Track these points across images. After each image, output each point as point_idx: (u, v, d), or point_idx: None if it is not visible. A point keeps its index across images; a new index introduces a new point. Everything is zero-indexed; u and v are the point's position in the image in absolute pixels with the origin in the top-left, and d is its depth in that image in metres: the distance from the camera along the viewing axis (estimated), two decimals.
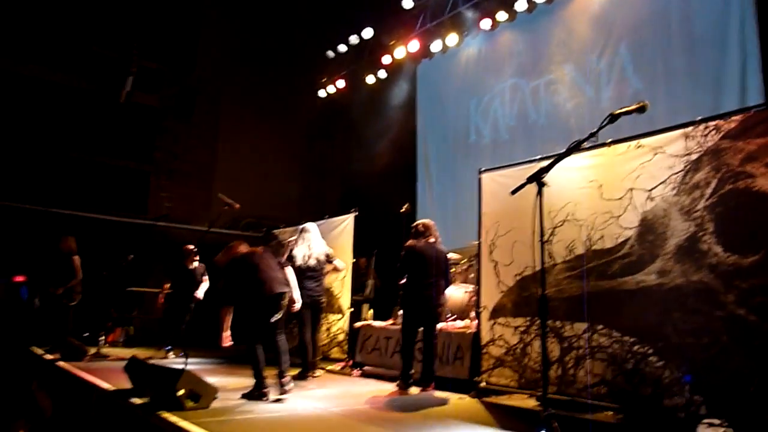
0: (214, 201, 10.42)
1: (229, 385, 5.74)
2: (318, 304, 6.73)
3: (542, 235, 2.78)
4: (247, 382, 5.90)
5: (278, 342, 5.32)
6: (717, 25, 6.85)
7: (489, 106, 9.95)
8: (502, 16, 9.37)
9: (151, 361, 5.70)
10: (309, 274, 6.62)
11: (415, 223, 6.40)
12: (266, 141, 12.33)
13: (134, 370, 4.98)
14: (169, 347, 8.00)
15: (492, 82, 9.92)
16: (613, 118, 2.81)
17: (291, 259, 6.58)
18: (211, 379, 5.00)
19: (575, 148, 2.87)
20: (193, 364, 6.85)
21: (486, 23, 9.56)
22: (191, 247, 8.32)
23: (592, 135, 2.82)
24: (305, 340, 6.57)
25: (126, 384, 5.08)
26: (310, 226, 6.97)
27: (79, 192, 10.63)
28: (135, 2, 11.03)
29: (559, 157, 2.91)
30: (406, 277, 6.02)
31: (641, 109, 2.87)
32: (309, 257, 6.68)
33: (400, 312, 7.55)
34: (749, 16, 6.54)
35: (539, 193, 2.77)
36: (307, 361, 6.53)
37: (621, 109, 2.87)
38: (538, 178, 2.82)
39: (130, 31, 10.80)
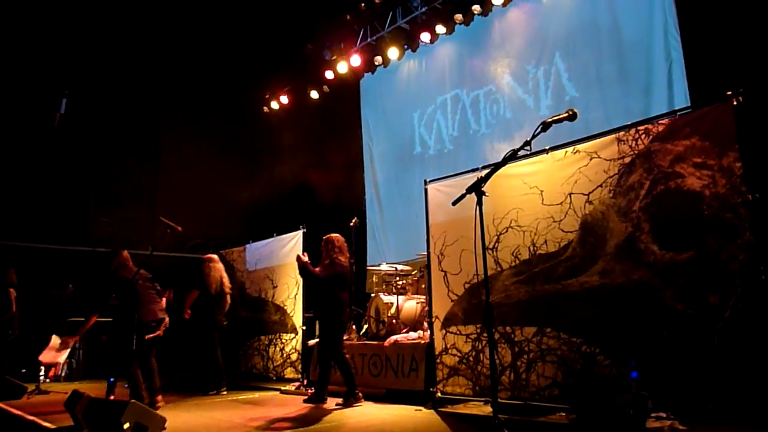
0: (157, 224, 10.09)
1: (179, 417, 5.54)
2: None
3: (483, 242, 2.80)
4: (195, 414, 5.74)
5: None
6: (643, 33, 7.15)
7: (432, 118, 10.07)
8: (440, 29, 9.52)
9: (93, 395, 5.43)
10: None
11: (336, 237, 6.45)
12: (210, 159, 12.08)
13: (76, 405, 4.73)
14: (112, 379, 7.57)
15: (434, 94, 10.05)
16: (545, 126, 2.89)
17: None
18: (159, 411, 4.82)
19: (510, 157, 2.92)
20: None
21: (425, 36, 9.69)
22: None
23: (527, 144, 2.88)
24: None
25: (68, 421, 4.83)
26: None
27: (14, 220, 10.13)
28: (66, 22, 10.65)
29: (496, 167, 2.96)
30: (330, 293, 6.12)
31: (571, 117, 2.96)
32: None
33: (354, 327, 7.54)
34: (672, 25, 6.86)
35: (479, 202, 2.80)
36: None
37: (552, 117, 2.94)
38: (477, 188, 2.85)
39: (62, 51, 10.43)
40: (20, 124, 10.25)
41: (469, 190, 2.94)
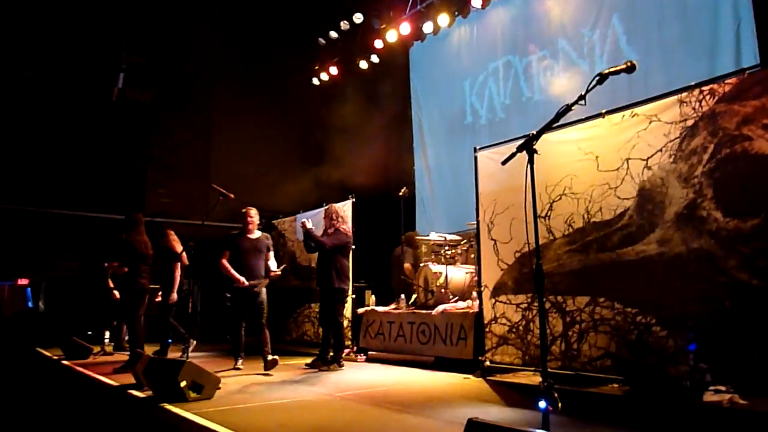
0: (211, 194, 10.34)
1: (232, 374, 5.73)
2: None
3: (534, 205, 2.72)
4: (247, 371, 5.91)
5: None
6: None
7: (483, 86, 9.85)
8: None
9: (152, 355, 5.68)
10: None
11: (338, 208, 6.86)
12: (262, 131, 12.25)
13: (136, 364, 4.96)
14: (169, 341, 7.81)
15: (485, 61, 9.81)
16: (601, 78, 2.75)
17: None
18: (214, 370, 4.99)
19: (564, 112, 2.80)
20: (194, 357, 6.87)
21: (477, 1, 9.43)
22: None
23: (581, 98, 2.76)
24: None
25: (131, 380, 5.07)
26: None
27: (76, 192, 10.59)
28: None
29: (548, 124, 2.85)
30: (334, 261, 6.42)
31: (629, 69, 2.80)
32: None
33: (402, 296, 7.58)
34: None
35: (530, 161, 2.71)
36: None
37: (609, 68, 2.80)
38: (528, 146, 2.75)
39: (119, 27, 10.69)
40: (80, 99, 10.64)
41: (519, 149, 2.84)
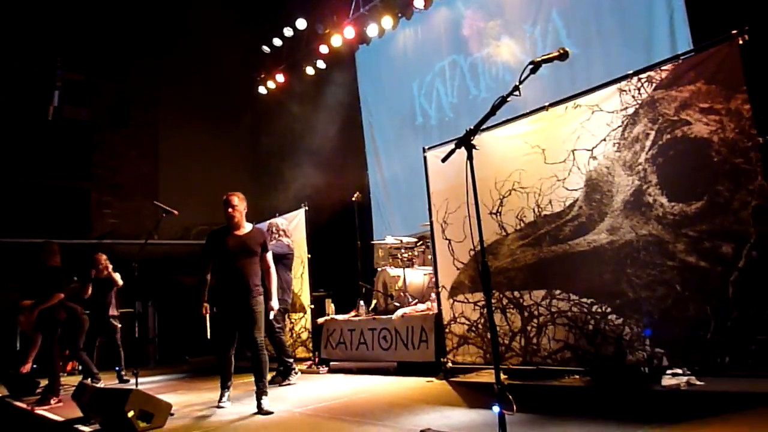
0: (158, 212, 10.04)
1: (187, 401, 5.49)
2: None
3: (476, 201, 2.66)
4: (209, 395, 5.69)
5: None
6: None
7: (431, 86, 9.84)
8: None
9: (100, 385, 5.42)
10: None
11: (278, 222, 6.84)
12: (210, 144, 11.97)
13: (82, 396, 4.69)
14: (117, 368, 7.66)
15: (431, 62, 9.81)
16: (534, 66, 2.72)
17: None
18: (169, 397, 4.77)
19: (500, 104, 2.76)
20: (148, 383, 6.61)
21: (419, 2, 9.41)
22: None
23: (515, 88, 2.72)
24: None
25: (77, 413, 4.80)
26: None
27: (16, 217, 10.10)
28: (55, 14, 10.47)
29: (485, 118, 2.80)
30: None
31: (562, 56, 2.78)
32: None
33: (362, 302, 7.47)
34: None
35: (469, 156, 2.64)
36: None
37: (541, 57, 2.77)
38: (466, 142, 2.69)
39: (52, 43, 10.27)
40: (14, 119, 10.16)
41: (457, 145, 2.78)
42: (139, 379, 6.62)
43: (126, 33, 11.30)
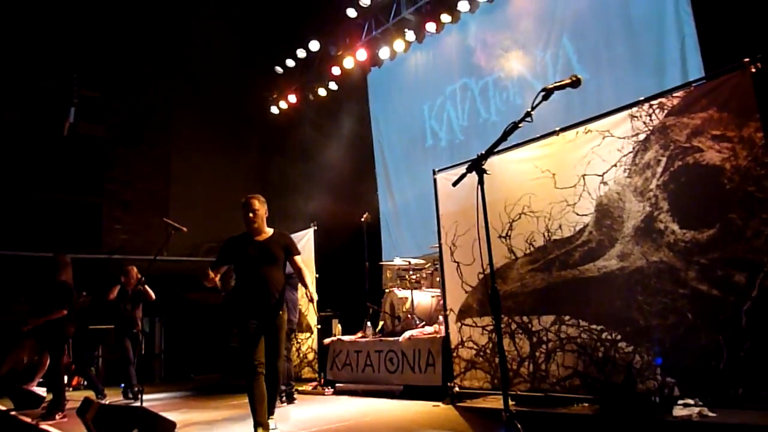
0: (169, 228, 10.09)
1: (191, 419, 5.46)
2: None
3: (486, 225, 2.65)
4: (213, 414, 5.66)
5: None
6: (653, 8, 6.91)
7: (442, 109, 9.90)
8: (446, 18, 9.35)
9: (105, 401, 5.40)
10: None
11: None
12: (221, 162, 12.07)
13: (86, 412, 4.67)
14: (122, 385, 7.55)
15: (443, 85, 9.88)
16: (546, 93, 2.73)
17: None
18: (173, 415, 4.74)
19: (511, 130, 2.77)
20: (152, 401, 6.58)
21: (431, 26, 9.52)
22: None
23: (527, 114, 2.73)
24: None
25: (82, 428, 4.77)
26: None
27: (29, 231, 10.19)
28: (72, 32, 10.67)
29: (497, 143, 2.81)
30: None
31: (575, 83, 2.80)
32: None
33: (369, 324, 7.43)
34: None
35: (480, 181, 2.65)
36: None
37: (554, 84, 2.78)
38: (477, 167, 2.70)
39: (69, 61, 10.44)
40: (31, 135, 10.31)
41: (469, 169, 2.79)
42: (144, 396, 6.61)
43: (141, 52, 11.47)
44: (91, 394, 6.88)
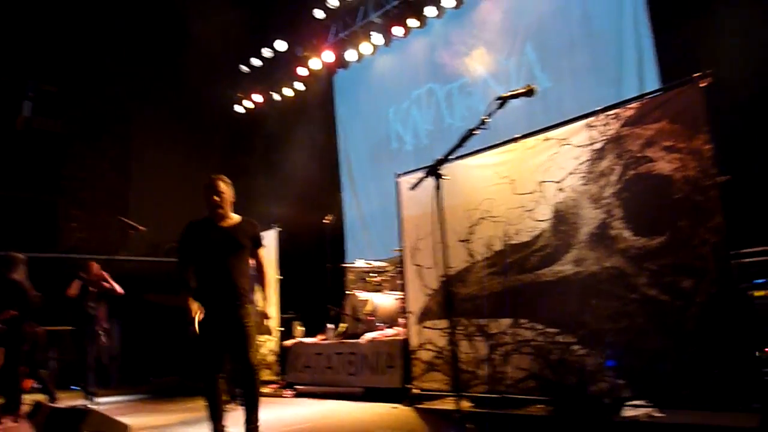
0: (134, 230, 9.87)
1: (146, 422, 5.37)
2: None
3: (443, 229, 2.70)
4: (169, 417, 5.58)
5: None
6: (613, 22, 7.13)
7: (408, 113, 9.98)
8: (413, 22, 9.43)
9: (55, 405, 5.27)
10: None
11: None
12: (183, 161, 11.84)
13: (38, 416, 4.56)
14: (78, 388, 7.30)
15: (409, 89, 9.95)
16: (502, 101, 2.80)
17: None
18: (127, 419, 4.65)
19: (467, 137, 2.85)
20: (107, 404, 6.45)
21: (398, 30, 9.59)
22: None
23: (482, 122, 2.80)
24: None
25: None
26: None
27: None
28: (29, 24, 10.36)
29: (453, 148, 2.88)
30: None
31: (528, 93, 2.88)
32: None
33: (331, 326, 7.42)
34: (641, 13, 6.85)
35: (437, 186, 2.70)
36: None
37: (509, 92, 2.86)
38: (434, 171, 2.75)
39: (25, 54, 10.14)
40: None
41: (426, 174, 2.84)
42: (100, 399, 6.47)
43: (102, 46, 11.20)
44: (44, 397, 6.68)
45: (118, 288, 7.31)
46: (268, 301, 4.30)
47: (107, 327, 7.30)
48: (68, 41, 10.76)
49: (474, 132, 2.76)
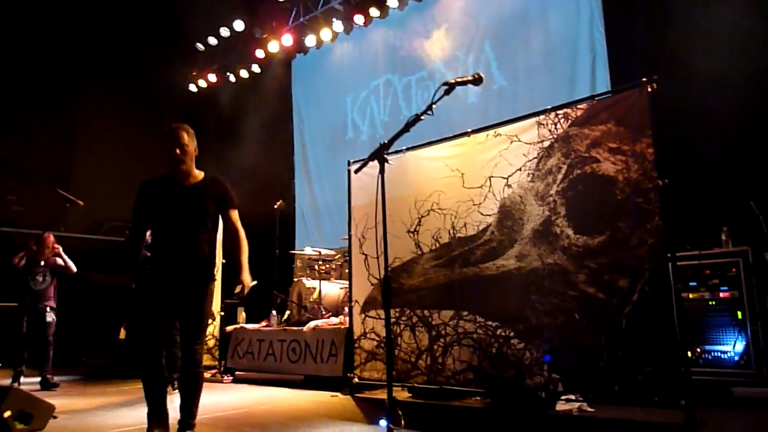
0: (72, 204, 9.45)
1: (76, 404, 5.18)
2: None
3: (384, 213, 2.73)
4: (101, 400, 5.40)
5: None
6: (570, 25, 7.27)
7: (365, 103, 9.92)
8: (374, 12, 9.36)
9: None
10: None
11: None
12: (132, 137, 11.41)
13: None
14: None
15: (367, 78, 9.89)
16: (448, 87, 2.80)
17: None
18: (56, 400, 4.47)
19: (413, 122, 2.85)
20: (37, 384, 6.20)
21: (359, 18, 9.51)
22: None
23: (429, 108, 2.80)
24: None
25: None
26: None
27: None
28: None
29: (398, 134, 2.88)
30: None
31: (476, 81, 2.89)
32: None
33: (274, 312, 7.32)
34: (597, 18, 7.00)
35: (381, 170, 2.69)
36: None
37: (456, 78, 2.86)
38: (379, 156, 2.73)
39: None
40: None
41: (371, 157, 2.82)
42: (30, 379, 6.21)
43: (51, 13, 10.69)
44: None
45: (72, 266, 6.85)
46: (244, 270, 3.52)
47: (54, 306, 6.78)
48: (13, 6, 10.22)
49: (420, 117, 2.74)
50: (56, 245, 6.86)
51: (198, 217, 3.43)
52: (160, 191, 3.45)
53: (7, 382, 6.32)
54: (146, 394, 3.33)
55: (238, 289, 3.48)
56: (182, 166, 3.46)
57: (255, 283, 3.62)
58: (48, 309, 6.68)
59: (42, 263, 6.70)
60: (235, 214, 3.62)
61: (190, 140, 3.53)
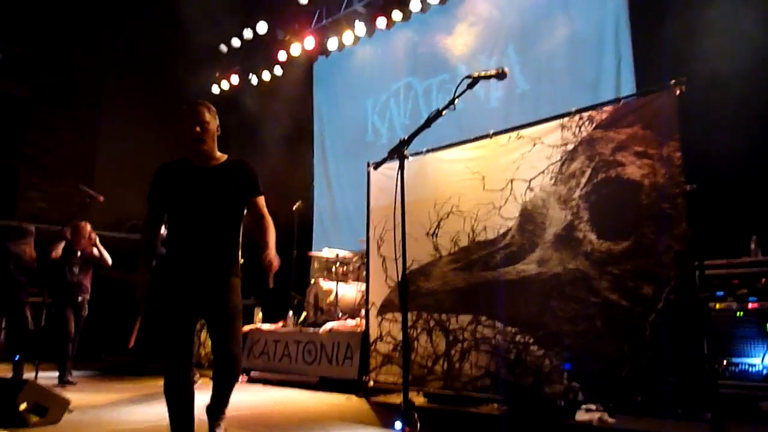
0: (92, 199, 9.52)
1: (92, 399, 5.19)
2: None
3: (403, 210, 2.69)
4: (117, 395, 5.41)
5: None
6: (595, 28, 7.16)
7: (386, 106, 9.89)
8: (397, 15, 9.33)
9: None
10: None
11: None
12: (154, 136, 11.54)
13: None
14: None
15: (388, 82, 9.86)
16: (471, 81, 2.76)
17: None
18: (72, 394, 4.49)
19: (435, 117, 2.83)
20: (54, 379, 6.24)
21: (381, 22, 9.48)
22: None
23: (451, 102, 2.77)
24: None
25: None
26: None
27: None
28: None
29: (419, 129, 2.85)
30: None
31: (500, 75, 2.83)
32: None
33: (291, 314, 7.30)
34: (623, 21, 6.89)
35: (400, 167, 2.64)
36: None
37: (479, 72, 2.81)
38: (398, 152, 2.68)
39: None
40: None
41: (391, 153, 2.77)
42: (48, 374, 6.25)
43: (77, 14, 10.86)
44: None
45: (107, 257, 6.58)
46: (271, 248, 3.16)
47: (88, 299, 6.55)
48: (41, 6, 10.40)
49: (442, 112, 2.70)
50: (93, 233, 6.58)
51: (220, 204, 3.11)
52: (178, 175, 3.13)
53: (31, 375, 6.39)
54: (171, 418, 3.00)
55: (266, 261, 3.07)
56: (203, 146, 3.15)
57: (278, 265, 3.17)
58: (85, 302, 6.47)
59: (78, 253, 6.48)
60: (261, 201, 3.29)
61: (211, 118, 3.23)
